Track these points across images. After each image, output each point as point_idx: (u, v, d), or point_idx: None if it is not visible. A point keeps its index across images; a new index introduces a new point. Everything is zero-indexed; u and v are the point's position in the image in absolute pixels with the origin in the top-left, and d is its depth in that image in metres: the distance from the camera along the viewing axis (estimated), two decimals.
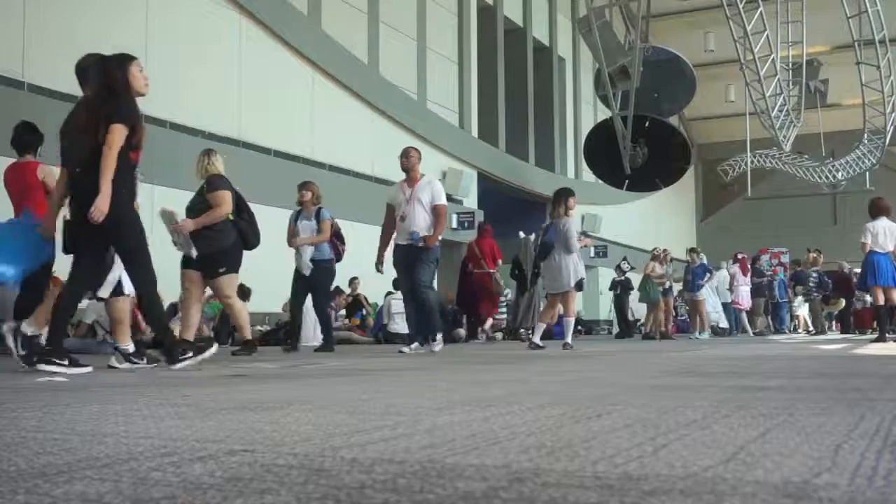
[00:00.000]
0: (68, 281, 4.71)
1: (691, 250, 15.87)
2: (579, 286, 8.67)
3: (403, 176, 7.75)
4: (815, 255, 18.67)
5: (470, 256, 13.96)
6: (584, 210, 24.92)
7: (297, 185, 8.81)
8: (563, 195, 8.83)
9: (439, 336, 7.63)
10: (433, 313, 7.60)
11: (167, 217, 6.66)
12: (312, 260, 8.45)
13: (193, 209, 6.87)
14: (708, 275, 15.46)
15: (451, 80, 18.81)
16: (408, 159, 7.76)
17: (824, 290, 17.89)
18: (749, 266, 17.68)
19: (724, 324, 17.51)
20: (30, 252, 5.01)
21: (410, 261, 7.55)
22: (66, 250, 4.69)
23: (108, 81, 4.49)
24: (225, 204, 6.75)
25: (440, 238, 7.74)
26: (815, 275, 18.19)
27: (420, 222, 7.53)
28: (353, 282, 13.92)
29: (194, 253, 6.53)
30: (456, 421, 1.96)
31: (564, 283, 8.56)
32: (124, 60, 4.65)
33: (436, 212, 7.60)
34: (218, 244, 6.67)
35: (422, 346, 7.55)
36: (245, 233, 6.95)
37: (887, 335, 10.41)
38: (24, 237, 5.03)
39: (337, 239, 8.73)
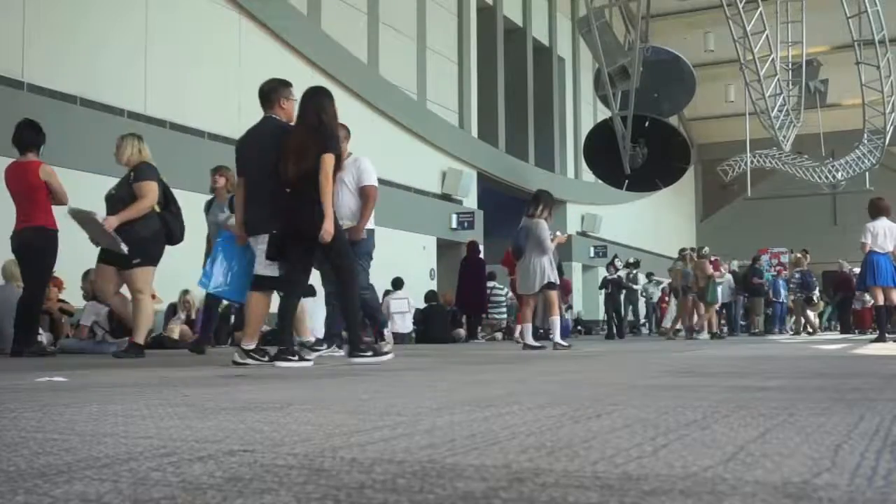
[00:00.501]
0: (288, 284, 5.22)
1: (693, 250, 15.93)
2: (551, 286, 8.66)
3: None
4: (799, 255, 18.79)
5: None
6: (584, 210, 24.94)
7: (210, 170, 7.91)
8: (547, 200, 8.85)
9: (386, 347, 6.14)
10: (377, 314, 6.59)
11: (80, 216, 6.41)
12: None
13: (118, 198, 6.50)
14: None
15: (451, 80, 18.82)
16: None
17: (807, 290, 17.95)
18: (721, 267, 17.83)
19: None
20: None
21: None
22: (270, 257, 5.17)
23: (320, 114, 5.08)
24: (151, 195, 6.42)
25: (370, 227, 6.53)
26: (797, 275, 18.28)
27: (345, 209, 6.26)
28: None
29: (125, 248, 6.24)
30: (456, 421, 1.96)
31: (533, 284, 8.59)
32: (330, 96, 5.29)
33: (363, 194, 6.40)
34: (134, 234, 6.29)
35: (339, 349, 6.40)
36: (170, 226, 6.59)
37: (887, 335, 10.41)
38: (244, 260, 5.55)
39: None
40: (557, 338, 8.79)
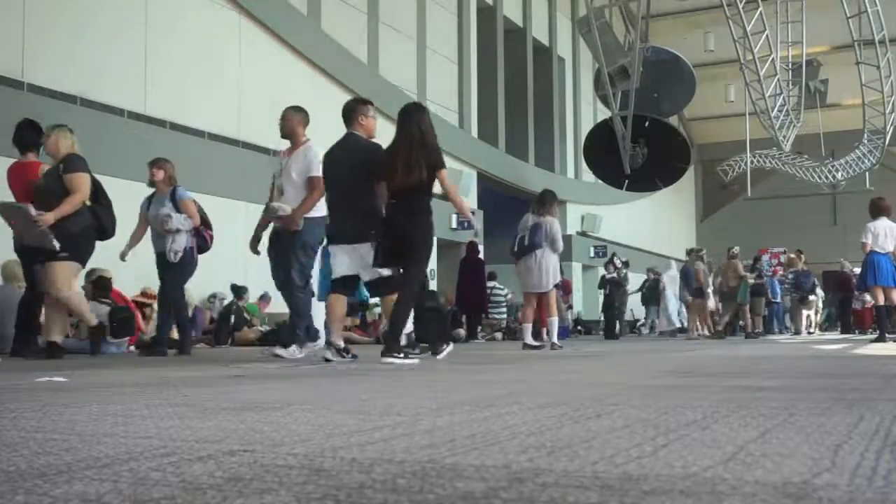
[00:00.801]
0: (405, 286, 5.53)
1: (691, 251, 15.99)
2: (555, 286, 8.83)
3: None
4: (792, 256, 18.92)
5: None
6: (584, 210, 24.93)
7: (148, 164, 7.64)
8: (553, 197, 8.94)
9: (293, 347, 6.07)
10: (299, 318, 6.31)
11: (8, 211, 6.31)
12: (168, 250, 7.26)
13: (49, 191, 6.38)
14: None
15: (451, 80, 18.81)
16: (284, 122, 6.42)
17: (802, 291, 18.05)
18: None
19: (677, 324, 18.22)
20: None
21: (280, 249, 6.29)
22: (383, 264, 5.53)
23: (421, 128, 5.44)
24: (84, 187, 6.34)
25: (309, 217, 6.15)
26: (791, 276, 18.34)
27: (290, 200, 6.14)
28: None
29: (57, 245, 6.19)
30: (456, 421, 1.96)
31: (544, 283, 8.65)
32: (426, 111, 5.67)
33: (309, 186, 6.12)
34: (65, 230, 6.20)
35: (300, 349, 6.20)
36: (102, 220, 6.52)
37: (887, 335, 10.42)
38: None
39: (203, 224, 7.47)
40: (555, 338, 8.82)
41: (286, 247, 6.19)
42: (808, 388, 3.02)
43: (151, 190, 7.62)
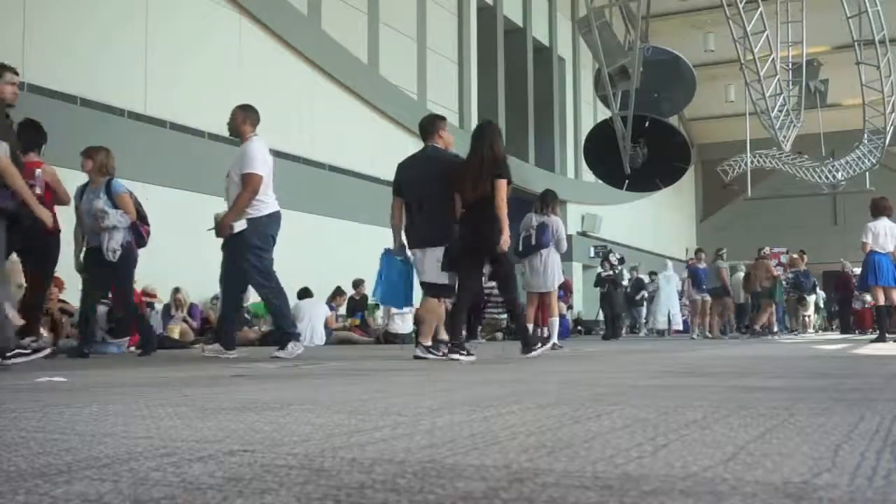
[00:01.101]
0: (461, 290, 6.08)
1: (699, 251, 16.25)
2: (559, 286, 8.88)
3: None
4: (795, 256, 19.08)
5: None
6: (584, 210, 24.92)
7: (80, 153, 7.32)
8: (555, 197, 8.96)
9: (290, 345, 6.16)
10: (279, 317, 6.36)
11: None
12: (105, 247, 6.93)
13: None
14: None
15: (451, 80, 18.82)
16: (231, 120, 6.34)
17: (800, 290, 18.14)
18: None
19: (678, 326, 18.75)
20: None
21: (230, 250, 6.29)
22: (446, 268, 5.97)
23: (493, 146, 5.89)
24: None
25: (254, 217, 6.07)
26: (791, 275, 18.44)
27: (232, 199, 6.11)
28: (359, 285, 13.88)
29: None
30: (456, 421, 1.96)
31: (549, 283, 8.69)
32: (498, 130, 6.14)
33: (242, 183, 6.01)
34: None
35: (297, 345, 6.29)
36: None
37: (887, 335, 10.42)
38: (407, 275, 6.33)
39: (139, 219, 7.15)
40: (556, 338, 8.83)
41: (235, 251, 6.13)
42: (808, 388, 3.02)
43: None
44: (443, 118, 6.52)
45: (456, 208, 5.98)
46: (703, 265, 16.02)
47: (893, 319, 12.21)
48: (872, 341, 10.34)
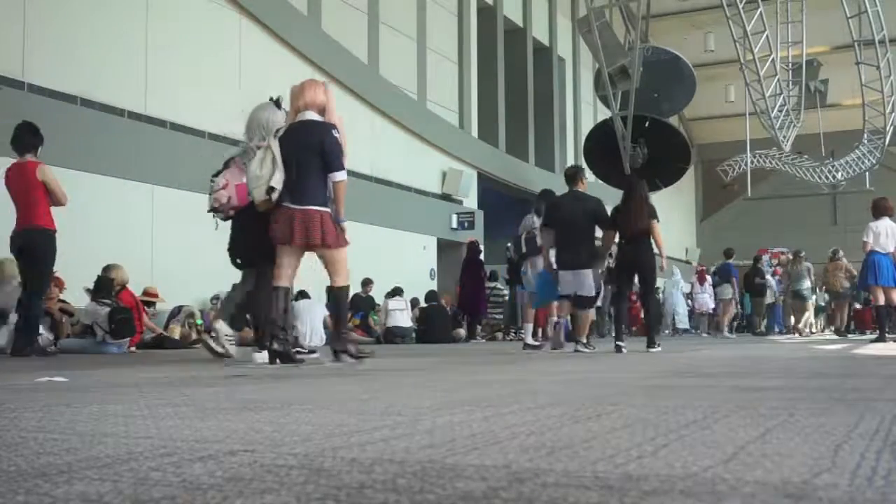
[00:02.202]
0: (619, 297, 8.53)
1: (730, 250, 16.88)
2: None
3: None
4: (788, 257, 19.27)
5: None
6: None
7: None
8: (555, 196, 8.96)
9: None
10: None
11: None
12: None
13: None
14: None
15: (451, 80, 18.80)
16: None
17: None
18: (706, 276, 18.86)
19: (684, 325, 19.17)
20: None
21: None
22: (610, 282, 8.61)
23: (643, 193, 8.10)
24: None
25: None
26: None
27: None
28: (367, 284, 13.85)
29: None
30: (456, 421, 1.96)
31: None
32: (644, 184, 8.47)
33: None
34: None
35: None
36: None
37: (887, 335, 10.42)
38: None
39: None
40: (562, 337, 8.87)
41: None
42: (808, 388, 3.02)
43: None
44: (582, 169, 9.14)
45: (602, 241, 8.14)
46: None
47: (894, 319, 12.26)
48: (872, 341, 10.34)
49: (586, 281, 7.70)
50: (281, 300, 5.20)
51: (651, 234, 7.93)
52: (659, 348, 7.79)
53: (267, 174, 5.13)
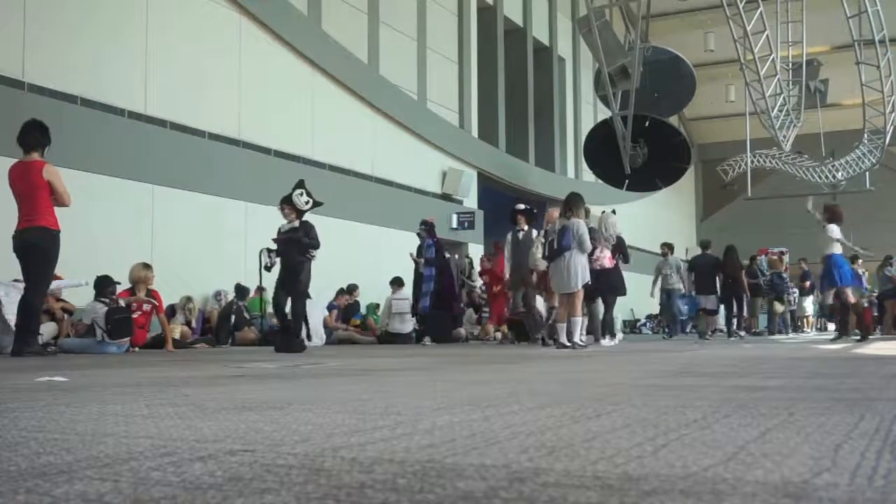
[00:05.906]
0: (739, 310, 13.28)
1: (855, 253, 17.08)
2: (585, 286, 9.05)
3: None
4: (774, 257, 19.38)
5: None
6: None
7: None
8: (579, 201, 9.02)
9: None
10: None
11: None
12: None
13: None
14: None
15: (451, 80, 18.80)
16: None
17: (776, 291, 18.54)
18: None
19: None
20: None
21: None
22: (721, 301, 12.63)
23: (735, 257, 12.73)
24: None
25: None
26: (768, 277, 18.66)
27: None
28: (353, 290, 13.92)
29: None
30: (456, 421, 1.96)
31: (573, 284, 8.83)
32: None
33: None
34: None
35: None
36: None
37: (870, 335, 10.96)
38: None
39: None
40: (577, 337, 8.93)
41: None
42: (808, 388, 3.02)
43: None
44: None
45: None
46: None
47: (887, 321, 12.60)
48: (857, 341, 10.65)
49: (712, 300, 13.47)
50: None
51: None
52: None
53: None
